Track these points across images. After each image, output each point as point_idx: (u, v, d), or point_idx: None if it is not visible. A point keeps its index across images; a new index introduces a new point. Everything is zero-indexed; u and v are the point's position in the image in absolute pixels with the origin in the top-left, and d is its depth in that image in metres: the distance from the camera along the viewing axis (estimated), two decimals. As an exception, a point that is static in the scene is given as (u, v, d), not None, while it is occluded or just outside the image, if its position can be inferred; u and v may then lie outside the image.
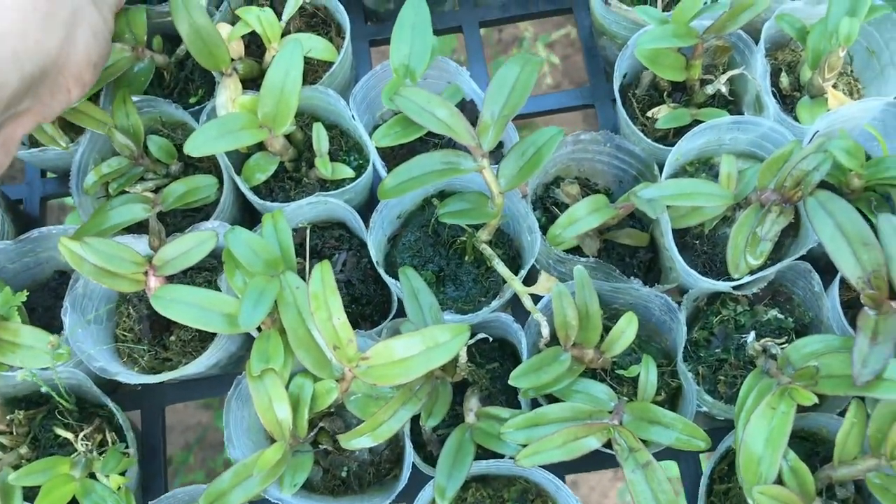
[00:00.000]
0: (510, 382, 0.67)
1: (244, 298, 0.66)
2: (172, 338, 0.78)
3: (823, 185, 0.70)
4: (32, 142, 0.89)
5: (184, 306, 0.68)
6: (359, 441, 0.67)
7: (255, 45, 0.88)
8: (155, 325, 0.79)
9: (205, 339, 0.78)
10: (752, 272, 0.72)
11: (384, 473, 0.77)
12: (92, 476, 0.72)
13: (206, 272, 0.80)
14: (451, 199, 0.73)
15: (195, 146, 0.72)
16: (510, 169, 0.70)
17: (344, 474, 0.76)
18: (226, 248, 0.71)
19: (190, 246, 0.71)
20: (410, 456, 0.71)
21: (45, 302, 0.83)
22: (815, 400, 0.64)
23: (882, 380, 0.61)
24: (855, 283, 0.65)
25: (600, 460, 0.80)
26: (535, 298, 0.72)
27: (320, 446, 0.75)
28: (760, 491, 0.63)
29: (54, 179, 0.96)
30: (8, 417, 0.75)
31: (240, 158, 0.82)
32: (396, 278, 0.72)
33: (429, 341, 0.62)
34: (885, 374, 0.61)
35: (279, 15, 0.83)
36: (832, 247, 0.66)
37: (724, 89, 0.82)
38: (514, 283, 0.71)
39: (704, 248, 0.78)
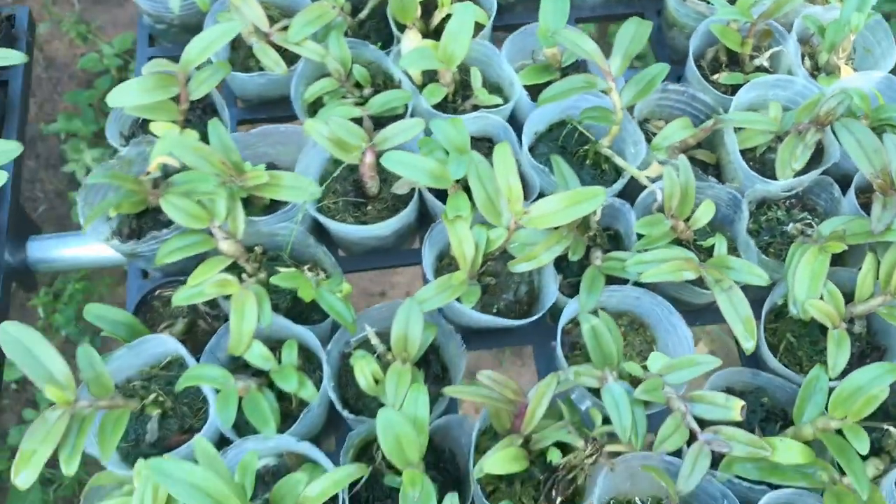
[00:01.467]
0: (636, 228, 0.96)
1: (451, 161, 0.94)
2: (369, 208, 1.05)
3: (845, 117, 1.01)
4: (246, 67, 1.17)
5: (405, 166, 0.94)
6: (524, 265, 0.94)
7: (422, 11, 1.17)
8: (357, 197, 1.05)
9: (392, 211, 1.05)
10: (793, 177, 1.02)
11: (521, 315, 1.03)
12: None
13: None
14: (587, 110, 1.02)
15: (407, 62, 1.01)
16: (630, 90, 1.00)
17: (495, 311, 1.01)
18: (423, 137, 0.99)
19: (405, 128, 0.98)
20: (555, 287, 0.97)
21: (263, 182, 1.09)
22: (846, 247, 0.93)
23: (891, 229, 0.91)
24: (869, 177, 0.96)
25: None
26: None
27: (484, 282, 1.01)
28: (811, 303, 0.91)
29: (242, 108, 1.23)
30: (248, 252, 0.99)
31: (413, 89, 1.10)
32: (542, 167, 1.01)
33: (576, 198, 0.90)
34: (893, 225, 0.91)
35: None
36: (854, 153, 0.97)
37: (766, 63, 1.14)
38: (632, 170, 1.00)
39: (756, 166, 1.08)
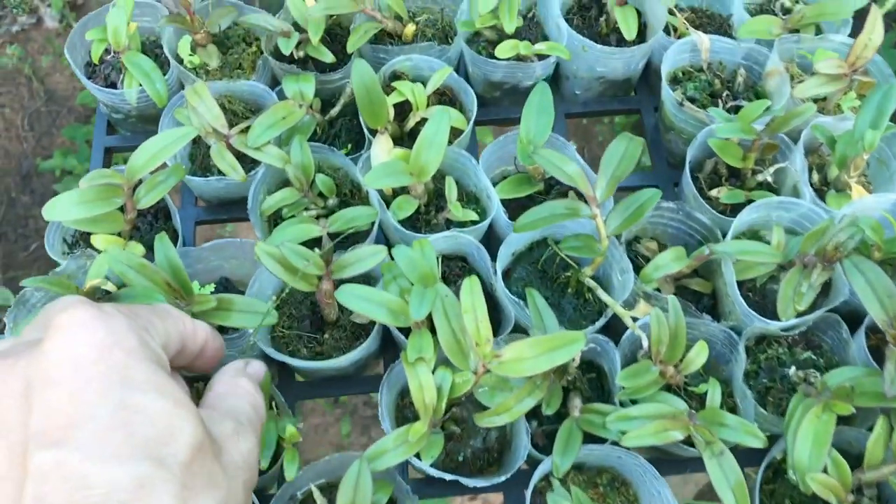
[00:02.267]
0: (618, 380, 0.85)
1: (413, 297, 0.84)
2: (326, 336, 0.95)
3: (855, 254, 0.91)
4: (199, 173, 1.08)
5: (361, 300, 0.85)
6: (492, 420, 0.83)
7: (395, 112, 1.08)
8: (313, 325, 0.96)
9: (352, 339, 0.95)
10: (795, 317, 0.92)
11: (490, 463, 0.93)
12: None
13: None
14: (568, 238, 0.93)
15: (372, 180, 0.91)
16: (617, 218, 0.90)
17: (460, 459, 0.91)
18: (386, 262, 0.89)
19: (364, 256, 0.89)
20: (528, 440, 0.87)
21: (213, 301, 1.00)
22: (853, 410, 0.82)
23: (905, 395, 0.81)
24: (881, 325, 0.85)
25: (669, 466, 0.97)
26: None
27: (447, 430, 0.91)
28: (811, 477, 0.81)
29: (204, 208, 1.14)
30: (194, 385, 0.90)
31: (382, 201, 1.00)
32: (518, 299, 0.91)
33: (552, 343, 0.80)
34: (908, 390, 0.80)
35: (422, 90, 1.04)
36: (864, 296, 0.86)
37: (769, 178, 1.04)
38: (617, 308, 0.90)
39: (756, 298, 0.98)
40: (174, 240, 1.01)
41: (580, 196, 0.93)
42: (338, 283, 0.89)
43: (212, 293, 0.93)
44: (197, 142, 1.11)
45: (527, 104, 0.97)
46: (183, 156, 1.10)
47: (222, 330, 0.94)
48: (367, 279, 0.99)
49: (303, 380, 1.03)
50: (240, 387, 0.72)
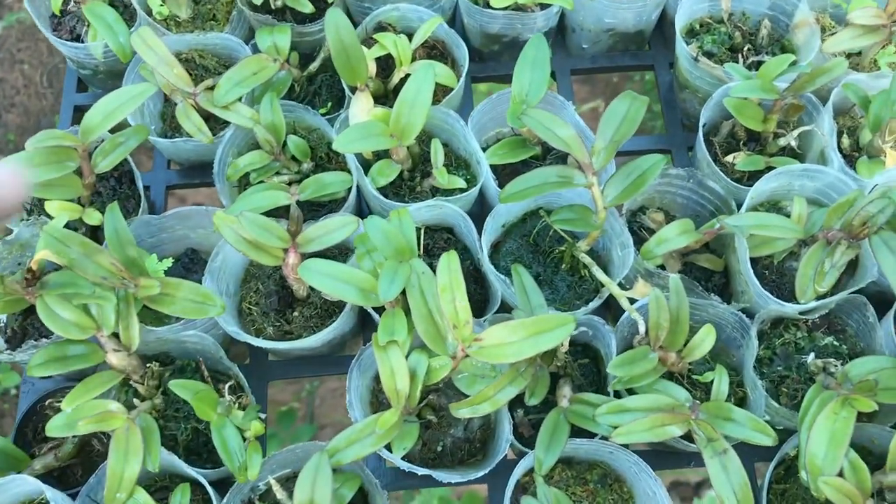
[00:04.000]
0: (609, 369, 0.76)
1: (383, 275, 0.76)
2: (296, 314, 0.87)
3: (886, 230, 0.80)
4: (169, 133, 1.00)
5: (326, 278, 0.77)
6: (469, 410, 0.75)
7: (379, 67, 0.99)
8: (281, 301, 0.88)
9: (324, 317, 0.87)
10: (816, 299, 0.82)
11: (473, 453, 0.85)
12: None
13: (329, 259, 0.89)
14: (561, 209, 0.83)
15: (342, 144, 0.83)
16: (615, 188, 0.81)
17: (439, 449, 0.84)
18: (360, 234, 0.81)
19: (332, 228, 0.81)
20: (509, 432, 0.79)
21: (177, 274, 0.92)
22: (875, 407, 0.73)
23: (936, 391, 0.71)
24: (912, 311, 0.75)
25: (671, 460, 0.88)
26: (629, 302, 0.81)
27: (424, 418, 0.83)
28: (825, 482, 0.71)
29: (177, 171, 1.06)
30: (145, 366, 0.83)
31: (362, 165, 0.92)
32: (504, 276, 0.82)
33: (538, 327, 0.71)
34: (940, 386, 0.71)
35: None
36: (894, 278, 0.76)
37: (793, 143, 0.93)
38: (613, 287, 0.81)
39: (773, 276, 0.88)
40: (137, 206, 0.94)
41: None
42: (307, 257, 0.81)
43: (169, 269, 0.86)
44: (169, 100, 1.02)
45: (520, 59, 0.87)
46: (153, 114, 1.02)
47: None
48: (346, 252, 0.91)
49: (276, 359, 0.95)
50: None
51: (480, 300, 0.91)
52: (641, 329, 0.79)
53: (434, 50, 1.02)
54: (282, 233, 0.80)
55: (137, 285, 0.79)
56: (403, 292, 0.77)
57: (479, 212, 0.95)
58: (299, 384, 1.92)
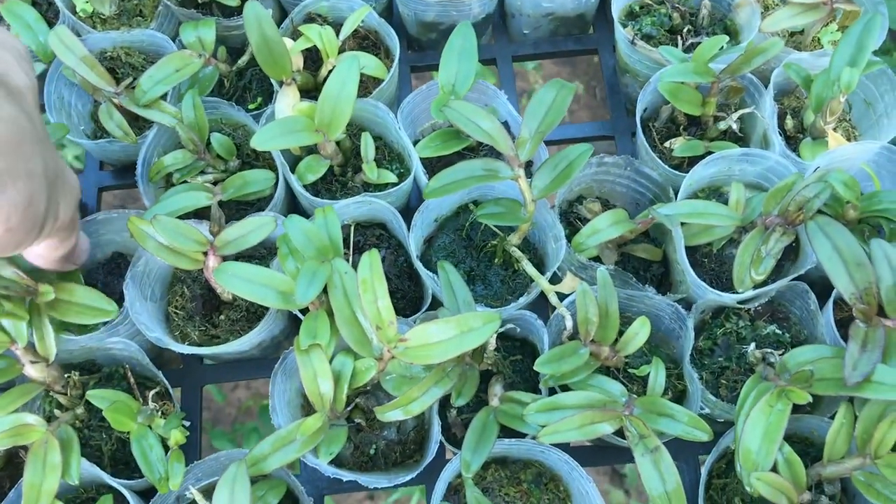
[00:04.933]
0: (535, 367, 0.74)
1: (300, 277, 0.73)
2: (222, 317, 0.85)
3: (822, 214, 0.78)
4: (99, 134, 0.97)
5: (243, 282, 0.74)
6: (393, 413, 0.73)
7: (310, 60, 0.96)
8: (206, 304, 0.86)
9: (251, 319, 0.85)
10: (754, 287, 0.80)
11: (408, 455, 0.83)
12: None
13: (256, 260, 0.87)
14: (488, 203, 0.81)
15: (261, 141, 0.80)
16: (543, 179, 0.78)
17: (372, 452, 0.82)
18: (282, 234, 0.78)
19: (250, 229, 0.78)
20: (438, 434, 0.77)
21: (103, 279, 0.90)
22: (810, 399, 0.71)
23: (870, 382, 0.68)
24: (848, 299, 0.73)
25: (613, 454, 0.86)
26: (560, 297, 0.79)
27: (353, 422, 0.81)
28: (757, 477, 0.69)
29: (111, 172, 1.03)
30: (66, 376, 0.81)
31: (291, 161, 0.89)
32: (432, 273, 0.79)
33: (463, 326, 0.69)
34: (874, 377, 0.68)
35: (337, 34, 0.91)
36: (829, 265, 0.74)
37: (734, 126, 0.91)
38: (542, 282, 0.79)
39: (712, 265, 0.86)
40: (62, 211, 0.91)
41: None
42: (229, 260, 0.79)
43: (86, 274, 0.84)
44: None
45: (446, 49, 0.85)
46: (82, 115, 0.99)
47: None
48: (276, 252, 0.89)
49: (211, 363, 0.93)
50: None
51: (415, 297, 0.88)
52: (568, 324, 0.76)
53: (366, 40, 0.99)
54: (199, 236, 0.77)
55: (38, 292, 0.76)
56: (328, 293, 0.75)
57: (419, 205, 0.92)
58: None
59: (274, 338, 0.87)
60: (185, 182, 0.87)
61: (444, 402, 0.82)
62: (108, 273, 0.90)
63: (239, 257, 0.85)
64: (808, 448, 0.80)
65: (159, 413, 0.79)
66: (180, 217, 0.82)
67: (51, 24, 0.96)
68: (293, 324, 0.91)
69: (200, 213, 0.87)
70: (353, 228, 0.88)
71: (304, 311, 0.79)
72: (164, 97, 0.90)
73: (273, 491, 0.76)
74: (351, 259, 0.86)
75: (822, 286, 0.84)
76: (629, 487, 1.88)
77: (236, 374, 0.91)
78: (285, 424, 0.77)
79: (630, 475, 1.88)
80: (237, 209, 0.90)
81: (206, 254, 0.79)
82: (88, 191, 1.01)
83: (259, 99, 0.97)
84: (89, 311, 0.76)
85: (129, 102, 0.88)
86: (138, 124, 0.96)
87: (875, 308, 0.73)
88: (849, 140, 0.95)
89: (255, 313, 0.85)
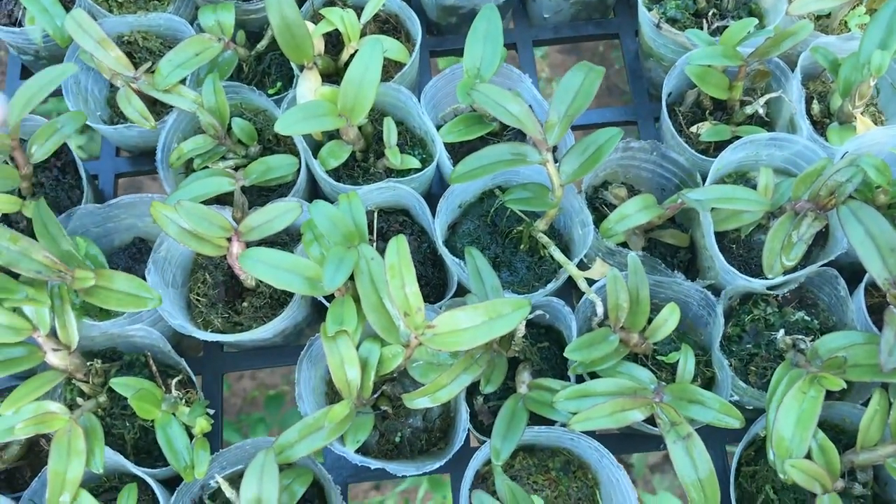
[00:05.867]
0: (566, 354, 0.73)
1: (327, 262, 0.72)
2: (245, 304, 0.84)
3: (854, 199, 0.77)
4: (116, 120, 0.96)
5: (269, 268, 0.73)
6: (421, 401, 0.72)
7: (330, 44, 0.95)
8: (229, 291, 0.85)
9: (274, 307, 0.84)
10: (784, 274, 0.79)
11: (433, 443, 0.82)
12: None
13: (279, 246, 0.86)
14: (515, 188, 0.80)
15: (284, 126, 0.79)
16: (571, 164, 0.77)
17: (398, 440, 0.81)
18: (307, 220, 0.77)
19: (275, 215, 0.77)
20: (466, 421, 0.76)
21: (124, 264, 0.89)
22: (844, 385, 0.70)
23: (906, 368, 0.67)
24: (882, 284, 0.72)
25: (641, 442, 0.86)
26: (589, 283, 0.78)
27: (380, 409, 0.80)
28: (792, 464, 0.69)
29: (127, 158, 1.02)
30: (88, 364, 0.80)
31: (312, 146, 0.88)
32: (459, 259, 0.78)
33: (492, 312, 0.68)
34: (910, 362, 0.67)
35: (357, 18, 0.90)
36: (862, 250, 0.73)
37: (761, 111, 0.90)
38: (570, 268, 0.78)
39: (740, 251, 0.85)
40: (80, 197, 0.91)
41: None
42: (253, 246, 0.78)
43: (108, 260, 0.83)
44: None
45: (471, 32, 0.83)
46: (98, 100, 0.98)
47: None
48: (298, 239, 0.88)
49: (232, 350, 0.92)
50: None
51: (439, 284, 0.88)
52: (599, 310, 0.75)
53: (387, 24, 0.98)
54: (223, 221, 0.76)
55: (73, 278, 0.75)
56: (354, 279, 0.74)
57: (440, 192, 0.91)
58: (290, 367, 1.91)
59: (297, 325, 0.87)
60: (206, 168, 0.86)
61: (470, 390, 0.81)
62: (129, 258, 0.90)
63: (261, 243, 0.84)
64: (839, 435, 0.79)
65: (183, 401, 0.78)
66: (202, 203, 0.81)
67: (67, 9, 0.94)
68: (316, 311, 0.90)
69: (222, 200, 0.86)
70: (376, 214, 0.86)
71: (329, 297, 0.78)
72: (182, 81, 0.88)
73: (300, 479, 0.75)
74: (375, 245, 0.85)
75: (850, 272, 0.83)
76: (636, 477, 1.88)
77: (258, 362, 0.91)
78: (311, 412, 0.76)
79: (637, 465, 1.88)
80: (259, 195, 0.89)
81: (229, 240, 0.78)
82: (106, 177, 1.01)
83: (279, 84, 0.96)
84: (130, 300, 0.75)
85: (148, 87, 0.87)
86: (156, 109, 0.95)
87: (909, 294, 0.72)
88: (876, 124, 0.94)
89: (278, 300, 0.84)
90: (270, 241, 0.86)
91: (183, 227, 0.76)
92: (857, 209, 0.74)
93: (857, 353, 0.72)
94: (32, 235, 0.76)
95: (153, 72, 0.88)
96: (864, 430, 0.73)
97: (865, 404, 0.74)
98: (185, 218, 0.75)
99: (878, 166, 0.79)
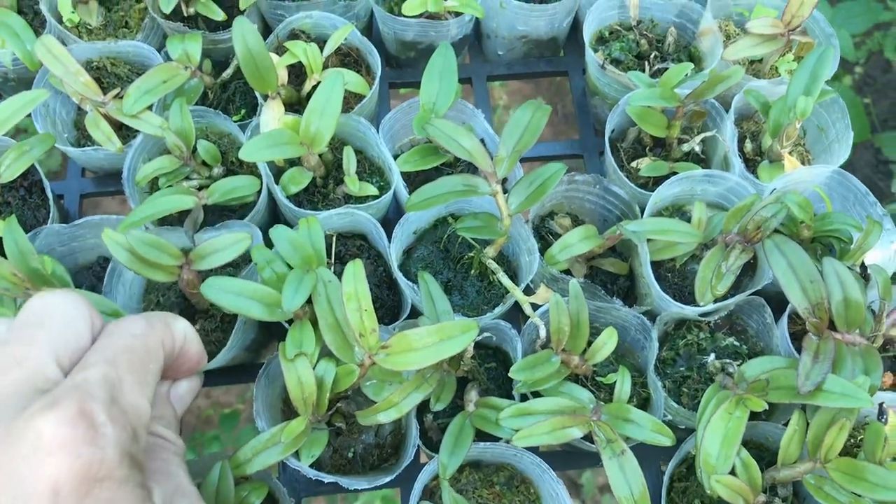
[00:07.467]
0: (511, 374, 0.78)
1: (287, 285, 0.76)
2: (197, 327, 0.87)
3: (778, 233, 0.83)
4: (83, 142, 0.99)
5: (231, 295, 0.76)
6: (375, 417, 0.76)
7: (293, 75, 0.99)
8: (183, 314, 0.88)
9: (227, 330, 0.87)
10: (715, 301, 0.85)
11: (385, 458, 0.86)
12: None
13: (230, 268, 0.89)
14: (467, 217, 0.84)
15: (249, 153, 0.83)
16: (519, 196, 0.82)
17: (350, 455, 0.85)
18: (258, 245, 0.81)
19: (226, 244, 0.80)
20: (416, 437, 0.80)
21: (88, 283, 0.92)
22: (766, 406, 0.75)
23: (821, 391, 0.74)
24: (802, 313, 0.78)
25: (582, 458, 0.90)
26: (534, 307, 0.83)
27: (334, 426, 0.84)
28: (717, 480, 0.74)
29: (92, 179, 1.05)
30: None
31: (274, 172, 0.92)
32: (412, 283, 0.83)
33: (442, 334, 0.72)
34: (824, 386, 0.74)
35: (320, 51, 0.95)
36: (784, 281, 0.79)
37: (697, 148, 0.96)
38: (517, 293, 0.83)
39: (675, 279, 0.91)
40: (46, 216, 0.93)
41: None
42: (203, 273, 0.81)
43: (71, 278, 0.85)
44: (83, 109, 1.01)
45: (427, 69, 0.88)
46: (66, 123, 1.01)
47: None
48: (249, 260, 0.91)
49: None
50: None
51: (394, 306, 0.92)
52: (542, 333, 0.80)
53: (348, 57, 1.02)
54: (173, 250, 0.79)
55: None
56: (311, 303, 0.78)
57: (397, 217, 0.96)
58: (245, 385, 1.91)
59: (249, 347, 0.90)
60: (170, 186, 0.90)
61: (421, 408, 0.85)
62: (93, 276, 0.92)
63: (208, 272, 0.87)
64: (763, 453, 0.85)
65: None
66: (164, 219, 0.85)
67: (38, 33, 0.97)
68: (264, 332, 0.93)
69: (185, 217, 0.89)
70: (335, 238, 0.91)
71: (285, 323, 0.82)
72: (150, 107, 0.92)
73: (255, 492, 0.78)
74: (333, 268, 0.89)
75: (777, 301, 0.89)
76: (585, 498, 1.94)
77: (215, 380, 0.94)
78: (267, 427, 0.79)
79: (586, 485, 1.93)
80: (221, 214, 0.92)
81: (181, 267, 0.81)
82: (71, 197, 1.03)
83: (243, 111, 1.00)
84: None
85: (116, 112, 0.91)
86: (122, 133, 0.98)
87: (826, 322, 0.78)
88: (803, 164, 1.01)
89: (230, 323, 0.88)
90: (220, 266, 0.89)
91: (134, 254, 0.79)
92: (780, 243, 0.81)
93: (778, 377, 0.78)
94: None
95: (121, 97, 0.91)
96: (784, 448, 0.79)
97: (786, 424, 0.80)
98: (135, 247, 0.77)
99: (801, 203, 0.86)
